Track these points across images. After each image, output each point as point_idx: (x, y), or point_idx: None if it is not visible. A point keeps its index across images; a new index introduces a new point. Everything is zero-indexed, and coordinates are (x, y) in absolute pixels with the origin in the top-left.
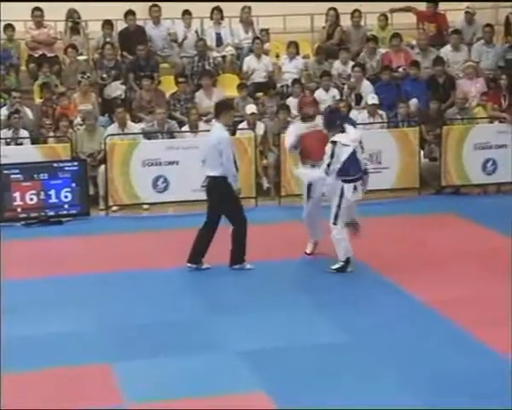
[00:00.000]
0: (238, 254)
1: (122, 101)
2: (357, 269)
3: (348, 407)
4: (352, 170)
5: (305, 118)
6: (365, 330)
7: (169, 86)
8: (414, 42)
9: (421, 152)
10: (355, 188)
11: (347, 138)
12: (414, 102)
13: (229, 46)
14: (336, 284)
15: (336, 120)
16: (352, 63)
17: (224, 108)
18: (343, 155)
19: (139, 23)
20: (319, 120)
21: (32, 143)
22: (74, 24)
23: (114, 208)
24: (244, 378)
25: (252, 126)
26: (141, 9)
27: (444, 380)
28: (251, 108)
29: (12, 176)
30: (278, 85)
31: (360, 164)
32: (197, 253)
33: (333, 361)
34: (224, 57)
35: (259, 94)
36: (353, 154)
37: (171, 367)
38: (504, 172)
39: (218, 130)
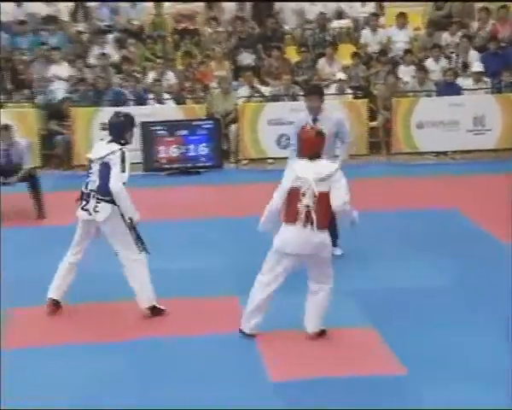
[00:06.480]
0: None
1: (252, 68)
2: (455, 219)
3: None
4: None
5: None
6: (463, 275)
7: (291, 55)
8: None
9: None
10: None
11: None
12: None
13: (347, 19)
14: (433, 232)
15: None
16: (460, 34)
17: None
18: None
19: None
20: None
21: (177, 103)
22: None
23: (244, 162)
24: (353, 314)
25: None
26: None
27: None
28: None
29: (157, 132)
30: (390, 55)
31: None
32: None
33: (436, 304)
34: (341, 29)
35: (371, 62)
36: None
37: (282, 303)
38: None
39: None
